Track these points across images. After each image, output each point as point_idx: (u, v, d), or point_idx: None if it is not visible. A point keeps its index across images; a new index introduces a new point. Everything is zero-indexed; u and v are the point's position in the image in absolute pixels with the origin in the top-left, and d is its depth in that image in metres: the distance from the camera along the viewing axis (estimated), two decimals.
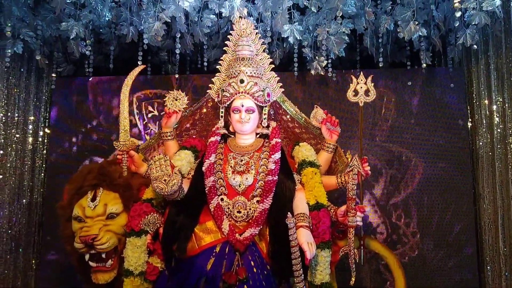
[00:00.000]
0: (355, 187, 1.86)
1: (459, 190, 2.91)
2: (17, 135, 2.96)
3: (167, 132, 2.16)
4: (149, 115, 3.05)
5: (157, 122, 3.03)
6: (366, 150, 2.86)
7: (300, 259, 1.78)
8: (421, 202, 2.93)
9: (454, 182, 2.92)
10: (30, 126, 3.05)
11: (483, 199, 2.87)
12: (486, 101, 2.79)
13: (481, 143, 2.85)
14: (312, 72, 2.75)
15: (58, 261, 3.04)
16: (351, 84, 2.03)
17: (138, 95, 3.08)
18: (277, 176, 1.95)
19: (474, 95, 2.90)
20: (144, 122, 3.05)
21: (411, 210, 2.93)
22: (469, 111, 2.97)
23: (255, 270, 1.85)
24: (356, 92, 2.02)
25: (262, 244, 1.94)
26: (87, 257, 1.95)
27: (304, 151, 2.08)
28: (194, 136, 2.25)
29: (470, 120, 2.96)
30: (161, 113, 2.98)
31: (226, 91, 2.04)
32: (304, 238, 1.78)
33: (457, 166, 2.91)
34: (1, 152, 2.81)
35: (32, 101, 3.07)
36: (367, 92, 2.00)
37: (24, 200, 3.02)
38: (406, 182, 2.95)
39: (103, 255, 1.95)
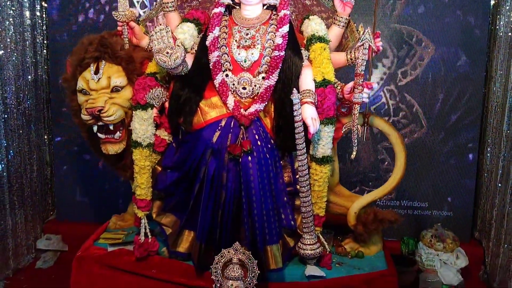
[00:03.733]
0: (365, 63, 1.80)
1: (470, 72, 2.84)
2: (13, 8, 2.82)
3: (168, 3, 2.03)
4: None
5: None
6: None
7: (303, 134, 1.81)
8: (427, 83, 2.88)
9: (465, 64, 2.83)
10: None
11: (494, 81, 2.81)
12: None
13: (501, 22, 2.69)
14: None
15: (69, 136, 3.15)
16: None
17: None
18: (284, 52, 1.89)
19: None
20: None
21: (416, 91, 2.90)
22: None
23: (259, 143, 1.90)
24: None
25: (266, 120, 1.96)
26: (95, 128, 1.99)
27: (314, 25, 1.97)
28: (196, 8, 2.13)
29: None
30: None
31: None
32: (308, 113, 1.79)
33: (471, 45, 2.79)
34: None
35: None
36: None
37: (29, 77, 3.02)
38: (414, 64, 2.86)
39: (111, 127, 1.99)
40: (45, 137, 3.24)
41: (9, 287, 2.72)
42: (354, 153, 1.95)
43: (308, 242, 1.93)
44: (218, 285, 1.66)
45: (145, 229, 2.02)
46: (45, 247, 3.12)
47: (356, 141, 1.94)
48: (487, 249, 2.90)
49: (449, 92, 2.88)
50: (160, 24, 1.78)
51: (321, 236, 2.02)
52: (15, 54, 2.87)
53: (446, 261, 2.72)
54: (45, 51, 3.16)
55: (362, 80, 1.82)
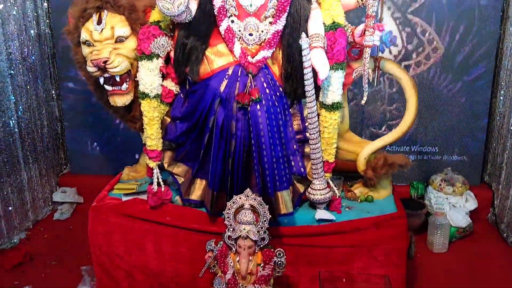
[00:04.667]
0: (376, 4, 1.73)
1: (484, 10, 2.72)
2: None
3: None
4: None
5: None
6: None
7: (312, 80, 1.78)
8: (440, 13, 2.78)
9: (481, 4, 2.71)
10: None
11: (511, 22, 2.70)
12: None
13: None
14: None
15: (76, 90, 3.15)
16: None
17: None
18: None
19: None
20: None
21: (430, 21, 2.80)
22: None
23: (267, 91, 1.87)
24: None
25: (274, 67, 1.92)
26: (101, 80, 1.97)
27: None
28: None
29: None
30: None
31: None
32: (317, 58, 1.74)
33: None
34: None
35: None
36: None
37: (32, 31, 2.97)
38: None
39: (117, 79, 1.97)
40: (53, 92, 3.24)
41: (30, 237, 2.84)
42: (365, 98, 1.93)
43: (318, 187, 1.95)
44: (231, 229, 1.70)
45: (158, 178, 2.05)
46: (61, 200, 3.21)
47: (367, 86, 1.90)
48: (496, 192, 2.93)
49: (463, 31, 2.78)
50: None
51: (330, 182, 2.04)
52: (16, 7, 2.81)
53: (455, 204, 2.76)
54: (45, 4, 3.08)
55: (373, 22, 1.76)
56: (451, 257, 2.53)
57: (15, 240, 2.75)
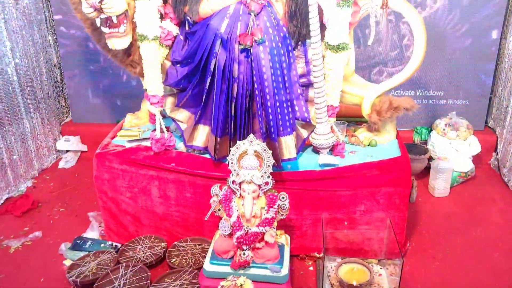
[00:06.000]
0: None
1: None
2: None
3: None
4: None
5: None
6: None
7: (318, 18, 1.70)
8: None
9: None
10: None
11: None
12: None
13: None
14: None
15: (73, 36, 3.06)
16: None
17: None
18: None
19: None
20: None
21: None
22: None
23: (271, 31, 1.80)
24: None
25: (278, 4, 1.83)
26: (98, 22, 1.89)
27: None
28: None
29: None
30: None
31: None
32: None
33: None
34: None
35: None
36: None
37: None
38: None
39: (114, 20, 1.89)
40: (49, 38, 3.15)
41: (37, 185, 2.87)
42: (372, 37, 1.85)
43: (322, 132, 1.93)
44: (235, 174, 1.70)
45: (161, 124, 2.03)
46: (65, 148, 3.22)
47: (374, 24, 1.82)
48: (500, 137, 2.91)
49: None
50: None
51: (334, 126, 2.02)
52: None
53: (458, 149, 2.75)
54: None
55: None
56: (451, 201, 2.57)
57: (22, 188, 2.79)
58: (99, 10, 1.83)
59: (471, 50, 2.82)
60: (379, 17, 1.87)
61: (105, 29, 1.92)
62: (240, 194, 1.69)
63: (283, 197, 1.71)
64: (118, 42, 1.95)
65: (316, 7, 1.66)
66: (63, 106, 3.38)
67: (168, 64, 2.00)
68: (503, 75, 2.87)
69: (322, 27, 1.77)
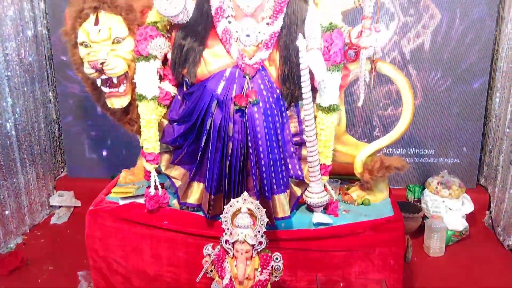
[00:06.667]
0: (373, 5, 1.73)
1: (481, 13, 2.73)
2: None
3: None
4: None
5: None
6: None
7: (309, 81, 1.77)
8: (439, 25, 2.79)
9: (477, 7, 2.72)
10: None
11: (507, 23, 2.71)
12: None
13: None
14: None
15: (73, 93, 3.14)
16: None
17: None
18: None
19: None
20: None
21: (425, 32, 2.81)
22: None
23: (264, 93, 1.87)
24: None
25: (271, 68, 1.91)
26: (99, 82, 1.96)
27: None
28: None
29: None
30: None
31: None
32: (314, 60, 1.74)
33: None
34: None
35: None
36: None
37: (29, 32, 2.96)
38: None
39: (115, 80, 1.96)
40: (50, 94, 3.23)
41: (27, 242, 2.82)
42: (362, 100, 1.93)
43: (315, 191, 1.94)
44: (229, 233, 1.69)
45: (155, 182, 2.04)
46: (58, 203, 3.20)
47: (363, 88, 1.90)
48: (492, 195, 2.93)
49: (460, 36, 2.79)
50: None
51: (327, 185, 2.04)
52: (12, 8, 2.80)
53: (452, 207, 2.76)
54: (42, 4, 3.08)
55: (370, 23, 1.76)
56: (447, 261, 2.53)
57: (11, 245, 2.74)
58: (100, 71, 1.91)
59: (461, 109, 2.92)
60: (368, 80, 1.95)
61: (105, 89, 1.99)
62: (233, 254, 1.67)
63: (277, 258, 1.69)
64: (117, 102, 2.01)
65: (307, 71, 1.74)
66: (59, 161, 3.40)
67: (165, 122, 2.05)
68: (491, 134, 2.95)
69: (314, 89, 1.84)
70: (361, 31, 1.78)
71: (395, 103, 2.93)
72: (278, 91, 1.91)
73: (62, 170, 3.43)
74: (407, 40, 2.86)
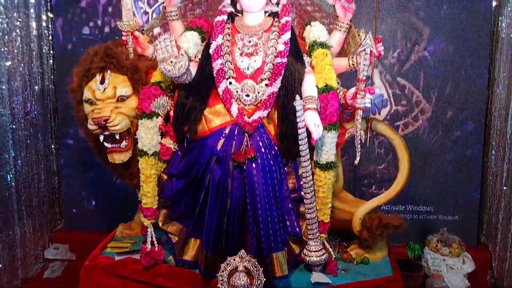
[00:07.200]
0: (367, 68, 1.81)
1: (473, 74, 2.84)
2: (19, 19, 2.87)
3: (171, 11, 2.07)
4: None
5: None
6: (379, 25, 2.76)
7: (306, 140, 1.82)
8: (428, 85, 2.89)
9: (467, 64, 2.83)
10: (32, 10, 2.96)
11: (497, 84, 2.81)
12: None
13: (503, 24, 2.70)
14: None
15: (75, 146, 3.19)
16: None
17: None
18: (286, 58, 1.90)
19: None
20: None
21: (417, 82, 2.90)
22: None
23: (263, 150, 1.91)
24: None
25: (270, 126, 1.97)
26: (101, 138, 2.01)
27: (315, 31, 1.99)
28: (200, 16, 2.16)
29: None
30: None
31: None
32: (311, 119, 1.80)
33: (473, 47, 2.79)
34: (6, 37, 2.76)
35: None
36: None
37: (36, 87, 3.06)
38: (417, 55, 2.87)
39: (117, 136, 2.01)
40: (52, 146, 3.28)
41: None
42: (358, 158, 1.96)
43: (314, 249, 1.93)
44: None
45: (152, 237, 2.03)
46: (53, 257, 3.13)
47: (359, 146, 1.95)
48: (493, 254, 2.89)
49: (452, 96, 2.88)
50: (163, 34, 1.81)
51: (326, 243, 2.02)
52: (22, 64, 2.91)
53: (453, 266, 2.70)
54: (51, 61, 3.20)
55: (364, 85, 1.83)
56: None
57: None
58: (104, 127, 1.96)
59: (457, 167, 2.94)
60: (363, 139, 2.00)
61: (107, 144, 2.03)
62: None
63: None
64: (118, 157, 2.05)
65: (304, 130, 1.79)
66: (57, 213, 3.38)
67: (164, 177, 2.07)
68: (489, 192, 2.95)
69: (311, 147, 1.88)
70: (356, 93, 1.85)
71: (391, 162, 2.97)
72: (276, 148, 1.95)
73: (59, 222, 3.40)
74: None
